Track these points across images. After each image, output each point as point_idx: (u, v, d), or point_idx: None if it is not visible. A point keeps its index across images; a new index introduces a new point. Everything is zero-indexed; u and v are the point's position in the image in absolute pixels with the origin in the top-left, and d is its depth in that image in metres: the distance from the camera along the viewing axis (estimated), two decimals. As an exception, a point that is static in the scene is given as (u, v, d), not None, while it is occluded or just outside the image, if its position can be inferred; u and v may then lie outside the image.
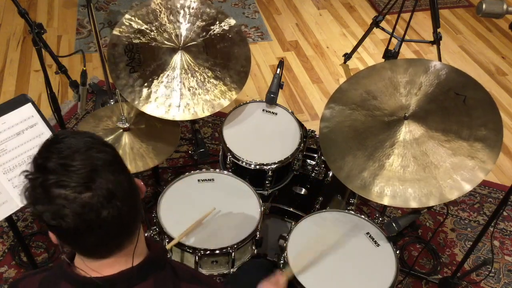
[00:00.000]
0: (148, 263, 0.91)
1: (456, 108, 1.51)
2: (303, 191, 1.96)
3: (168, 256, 1.53)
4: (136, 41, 1.82)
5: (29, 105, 1.48)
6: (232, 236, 1.54)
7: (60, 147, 0.79)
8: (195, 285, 0.96)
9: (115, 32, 1.81)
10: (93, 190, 0.77)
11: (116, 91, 1.77)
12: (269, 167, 1.76)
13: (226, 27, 1.91)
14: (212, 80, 1.84)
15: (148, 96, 1.78)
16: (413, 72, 1.60)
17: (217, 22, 1.91)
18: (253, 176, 1.78)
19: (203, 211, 1.60)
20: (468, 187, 1.41)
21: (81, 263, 0.89)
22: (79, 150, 0.79)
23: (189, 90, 1.81)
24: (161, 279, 0.91)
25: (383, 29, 3.01)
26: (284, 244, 1.52)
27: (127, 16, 1.85)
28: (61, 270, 0.92)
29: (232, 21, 1.93)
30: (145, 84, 1.79)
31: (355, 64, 3.34)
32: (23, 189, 0.79)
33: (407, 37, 2.93)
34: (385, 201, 1.47)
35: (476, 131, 1.46)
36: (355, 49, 3.24)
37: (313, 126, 2.53)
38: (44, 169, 0.77)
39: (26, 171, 0.79)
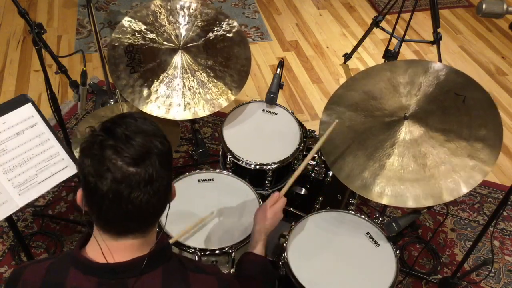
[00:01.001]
0: (157, 253, 0.94)
1: (456, 108, 1.51)
2: (303, 191, 1.96)
3: None
4: (136, 42, 1.83)
5: (29, 105, 1.48)
6: (232, 236, 1.54)
7: (131, 122, 0.87)
8: (201, 274, 0.98)
9: (115, 34, 1.82)
10: (138, 168, 0.83)
11: (116, 91, 1.78)
12: (269, 167, 1.76)
13: (226, 27, 1.91)
14: (212, 79, 1.84)
15: (149, 96, 1.78)
16: (413, 73, 1.60)
17: (217, 22, 1.92)
18: (253, 176, 1.78)
19: (203, 211, 1.60)
20: (468, 187, 1.41)
21: (94, 249, 0.91)
22: (145, 132, 0.87)
23: (189, 89, 1.81)
24: (169, 268, 0.94)
25: (383, 29, 3.01)
26: (284, 243, 1.52)
27: (127, 18, 1.85)
28: (69, 256, 0.93)
29: (232, 21, 1.93)
30: (146, 84, 1.79)
31: (355, 64, 3.34)
32: (83, 141, 0.86)
33: (407, 37, 2.93)
34: (386, 201, 1.47)
35: (476, 131, 1.46)
36: (355, 49, 3.24)
37: (313, 126, 2.53)
38: (109, 132, 0.85)
39: (93, 127, 0.87)
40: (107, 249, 0.90)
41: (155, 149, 0.86)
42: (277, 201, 1.45)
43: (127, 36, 1.83)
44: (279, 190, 1.88)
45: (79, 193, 0.89)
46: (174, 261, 0.97)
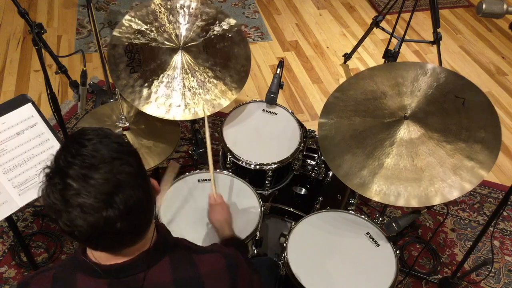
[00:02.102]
0: (160, 244, 0.94)
1: (456, 110, 1.52)
2: (303, 191, 1.96)
3: None
4: (136, 41, 1.82)
5: (29, 105, 1.48)
6: (232, 236, 1.54)
7: (84, 154, 0.79)
8: (206, 254, 0.99)
9: (115, 33, 1.81)
10: (111, 207, 0.78)
11: (116, 91, 1.77)
12: (269, 167, 1.76)
13: (226, 27, 1.91)
14: (212, 79, 1.84)
15: (149, 96, 1.78)
16: (413, 74, 1.60)
17: (217, 22, 1.91)
18: (253, 176, 1.78)
19: (203, 211, 1.60)
20: (467, 188, 1.41)
21: (97, 254, 0.90)
22: (104, 160, 0.79)
23: (189, 90, 1.81)
24: (176, 255, 0.95)
25: (383, 29, 3.01)
26: (284, 243, 1.52)
27: (127, 17, 1.85)
28: (75, 262, 0.93)
29: (232, 21, 1.93)
30: (146, 84, 1.79)
31: (355, 64, 3.34)
32: (42, 187, 0.80)
33: (407, 37, 2.93)
34: (384, 200, 1.47)
35: (475, 133, 1.47)
36: (355, 49, 3.24)
37: (313, 126, 2.53)
38: (65, 175, 0.77)
39: (48, 167, 0.80)
40: (107, 257, 0.90)
41: (122, 176, 0.79)
42: (215, 200, 1.52)
43: (127, 36, 1.82)
44: (279, 190, 1.89)
45: None
46: (178, 247, 0.98)
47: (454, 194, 1.42)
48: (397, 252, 1.52)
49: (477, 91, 1.53)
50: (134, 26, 1.85)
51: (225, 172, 1.77)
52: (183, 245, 1.00)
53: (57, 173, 0.79)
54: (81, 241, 0.84)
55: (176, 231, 1.52)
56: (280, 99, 2.11)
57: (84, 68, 1.73)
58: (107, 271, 0.89)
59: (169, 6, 1.91)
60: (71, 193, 0.76)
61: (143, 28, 1.85)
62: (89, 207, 0.76)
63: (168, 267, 0.92)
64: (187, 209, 1.61)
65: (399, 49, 2.62)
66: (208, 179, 1.71)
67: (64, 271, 0.94)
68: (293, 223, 1.60)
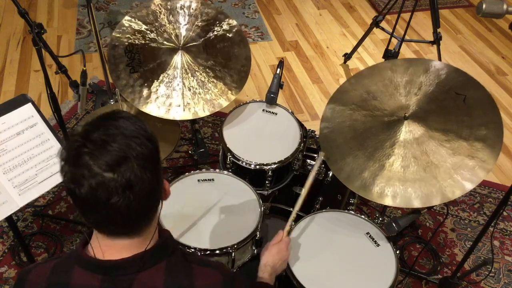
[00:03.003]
0: (160, 248, 0.95)
1: (456, 107, 1.51)
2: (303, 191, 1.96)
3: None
4: (136, 42, 1.83)
5: (29, 105, 1.48)
6: (232, 236, 1.54)
7: (110, 125, 0.86)
8: (206, 268, 0.98)
9: (115, 33, 1.81)
10: (115, 174, 0.81)
11: (116, 91, 1.77)
12: (269, 167, 1.76)
13: (226, 27, 1.91)
14: (212, 79, 1.84)
15: (149, 96, 1.78)
16: (413, 72, 1.59)
17: (217, 23, 1.92)
18: (253, 176, 1.78)
19: (203, 211, 1.60)
20: (468, 187, 1.41)
21: (96, 246, 0.92)
22: (123, 134, 0.85)
23: (189, 89, 1.81)
24: (172, 263, 0.95)
25: (383, 29, 3.01)
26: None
27: (127, 17, 1.85)
28: (73, 255, 0.95)
29: (232, 21, 1.93)
30: (146, 84, 1.79)
31: (355, 64, 3.34)
32: (64, 145, 0.86)
33: (407, 37, 2.93)
34: (386, 201, 1.47)
35: (476, 130, 1.46)
36: (355, 49, 3.24)
37: (313, 126, 2.53)
38: (87, 137, 0.84)
39: (74, 131, 0.85)
40: (106, 248, 0.91)
41: (134, 153, 0.84)
42: (281, 239, 1.43)
43: (127, 36, 1.83)
44: (279, 190, 1.89)
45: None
46: (177, 255, 0.97)
47: (456, 194, 1.42)
48: (397, 252, 1.52)
49: (478, 87, 1.51)
50: (134, 26, 1.85)
51: (225, 172, 1.77)
52: (185, 253, 1.00)
53: (80, 134, 0.85)
54: (77, 204, 0.86)
55: (176, 231, 1.53)
56: (280, 99, 2.11)
57: (84, 68, 1.73)
58: (102, 267, 0.91)
59: (169, 7, 1.91)
60: (85, 151, 0.82)
61: (143, 29, 1.85)
62: (94, 170, 0.81)
63: (162, 272, 0.92)
64: (187, 209, 1.61)
65: (399, 49, 2.62)
66: (208, 179, 1.71)
67: (63, 263, 0.96)
68: (293, 223, 1.59)
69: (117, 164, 0.82)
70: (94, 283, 0.90)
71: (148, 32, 1.86)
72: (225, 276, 0.99)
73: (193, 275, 0.95)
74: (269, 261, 1.37)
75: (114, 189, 0.82)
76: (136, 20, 1.85)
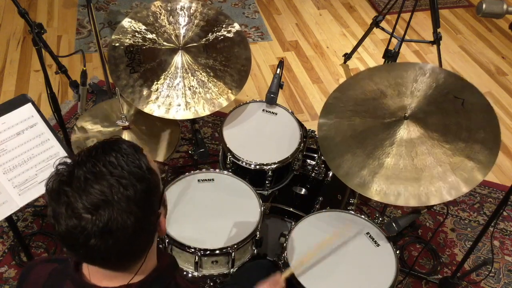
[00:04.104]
0: (151, 280, 0.91)
1: (455, 110, 1.52)
2: (303, 191, 1.96)
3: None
4: (137, 42, 1.83)
5: (29, 105, 1.48)
6: (232, 236, 1.54)
7: (100, 160, 0.81)
8: None
9: (115, 34, 1.82)
10: (92, 217, 0.78)
11: (116, 90, 1.78)
12: (269, 167, 1.76)
13: (226, 27, 1.91)
14: (212, 79, 1.84)
15: (149, 96, 1.78)
16: (412, 75, 1.61)
17: (217, 23, 1.92)
18: (253, 176, 1.78)
19: (203, 211, 1.60)
20: (466, 188, 1.41)
21: (85, 267, 0.91)
22: (111, 173, 0.80)
23: (189, 89, 1.81)
24: None
25: (383, 29, 3.01)
26: (284, 243, 1.52)
27: (127, 19, 1.85)
28: (68, 267, 0.93)
29: (232, 21, 1.93)
30: (146, 84, 1.79)
31: (355, 64, 3.34)
32: (50, 175, 0.82)
33: (407, 37, 2.93)
34: (383, 199, 1.46)
35: (475, 133, 1.47)
36: (355, 49, 3.24)
37: (313, 126, 2.52)
38: (72, 173, 0.80)
39: (65, 158, 0.84)
40: (93, 272, 0.89)
41: (117, 196, 0.79)
42: (278, 282, 1.35)
43: (128, 37, 1.83)
44: (279, 190, 1.89)
45: None
46: None
47: (454, 194, 1.42)
48: (397, 252, 1.52)
49: (476, 92, 1.53)
50: (135, 27, 1.85)
51: (225, 172, 1.77)
52: (179, 286, 0.95)
53: (68, 166, 0.82)
54: (58, 239, 0.84)
55: (176, 232, 1.53)
56: (280, 99, 2.11)
57: (84, 68, 1.74)
58: None
59: (169, 8, 1.91)
60: (66, 189, 0.79)
61: (143, 29, 1.86)
62: (73, 211, 0.78)
63: None
64: (187, 209, 1.61)
65: (399, 49, 2.62)
66: (208, 179, 1.72)
67: (60, 272, 0.95)
68: (293, 223, 1.60)
69: (95, 208, 0.78)
70: None
71: (148, 33, 1.86)
72: None
73: None
74: None
75: (91, 232, 0.78)
76: (136, 21, 1.85)
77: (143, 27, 1.86)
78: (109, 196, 0.79)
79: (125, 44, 1.81)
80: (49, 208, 0.81)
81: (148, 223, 0.86)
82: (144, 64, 1.81)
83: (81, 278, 0.90)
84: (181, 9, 1.92)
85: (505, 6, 1.36)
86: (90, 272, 0.89)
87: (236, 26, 1.93)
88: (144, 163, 0.85)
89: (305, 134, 1.92)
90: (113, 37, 1.81)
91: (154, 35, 1.86)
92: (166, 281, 0.94)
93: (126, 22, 1.84)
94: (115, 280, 0.88)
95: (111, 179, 0.80)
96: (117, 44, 1.81)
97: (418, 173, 1.46)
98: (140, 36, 1.84)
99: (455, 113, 1.52)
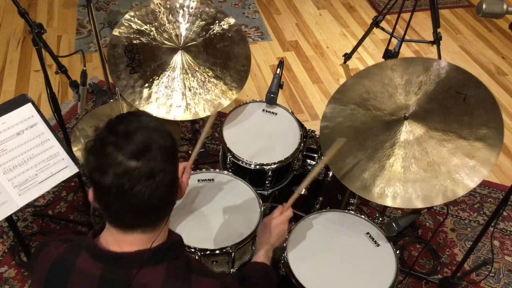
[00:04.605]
0: (164, 249, 0.96)
1: (457, 107, 1.50)
2: (303, 191, 1.96)
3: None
4: (136, 41, 1.82)
5: (29, 105, 1.48)
6: (232, 236, 1.54)
7: (133, 119, 0.91)
8: (206, 278, 0.98)
9: (115, 33, 1.81)
10: (139, 162, 0.85)
11: (116, 90, 1.78)
12: (269, 167, 1.76)
13: (225, 26, 1.91)
14: (212, 79, 1.84)
15: (149, 96, 1.78)
16: (413, 71, 1.59)
17: (217, 22, 1.91)
18: (253, 176, 1.78)
19: (203, 211, 1.60)
20: (469, 187, 1.41)
21: (105, 238, 0.96)
22: (146, 127, 0.89)
23: (189, 90, 1.81)
24: (174, 266, 0.96)
25: (383, 29, 3.01)
26: (285, 243, 1.52)
27: (126, 16, 1.85)
28: (84, 241, 0.98)
29: (232, 20, 1.92)
30: (146, 85, 1.79)
31: (355, 64, 3.34)
32: (88, 140, 0.91)
33: (407, 37, 2.93)
34: (386, 202, 1.47)
35: (477, 130, 1.46)
36: (355, 49, 3.24)
37: (313, 126, 2.53)
38: (111, 130, 0.88)
39: (97, 127, 0.91)
40: (115, 241, 0.94)
41: (156, 144, 0.87)
42: (282, 213, 1.42)
43: (127, 35, 1.82)
44: (279, 190, 1.89)
45: (91, 191, 0.92)
46: (181, 261, 0.98)
47: (456, 194, 1.41)
48: (397, 252, 1.52)
49: (479, 85, 1.49)
50: (134, 26, 1.85)
51: (225, 172, 1.77)
52: (188, 261, 1.00)
53: (104, 128, 0.90)
54: (101, 194, 0.88)
55: (176, 231, 1.52)
56: (280, 99, 2.11)
57: (84, 68, 1.73)
58: (105, 257, 0.93)
59: (168, 6, 1.91)
60: (109, 141, 0.86)
61: (142, 28, 1.85)
62: (119, 158, 0.84)
63: (162, 273, 0.93)
64: (187, 209, 1.61)
65: (399, 49, 2.62)
66: (208, 179, 1.72)
67: (76, 245, 0.99)
68: (293, 223, 1.59)
69: (141, 153, 0.85)
70: (95, 271, 0.93)
71: (148, 31, 1.85)
72: (224, 283, 0.99)
73: (191, 283, 0.95)
74: (266, 237, 1.36)
75: (138, 178, 0.84)
76: (136, 19, 1.85)
77: (143, 25, 1.85)
78: (150, 143, 0.87)
79: (125, 43, 1.80)
80: (91, 163, 0.86)
81: (177, 176, 0.94)
82: (144, 64, 1.81)
83: (98, 247, 0.95)
84: (180, 7, 1.91)
85: (505, 6, 1.36)
86: (108, 240, 0.94)
87: (236, 25, 1.92)
88: (164, 124, 0.94)
89: (305, 134, 1.92)
90: (112, 34, 1.80)
91: (153, 34, 1.86)
92: (177, 251, 1.00)
93: (125, 21, 1.84)
94: (135, 245, 0.93)
95: (148, 131, 0.89)
96: (116, 43, 1.80)
97: (419, 174, 1.46)
98: (139, 35, 1.84)
99: (457, 110, 1.48)
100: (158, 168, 0.86)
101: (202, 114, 1.79)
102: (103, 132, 0.88)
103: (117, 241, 0.94)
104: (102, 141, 0.87)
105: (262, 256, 1.34)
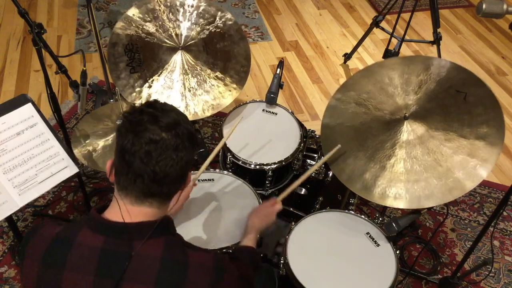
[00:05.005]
0: (163, 225, 1.01)
1: (457, 106, 1.50)
2: (303, 191, 1.96)
3: None
4: (136, 40, 1.82)
5: (29, 105, 1.48)
6: (232, 236, 1.54)
7: (159, 106, 0.99)
8: (202, 252, 1.04)
9: (115, 31, 1.81)
10: (170, 134, 0.94)
11: (116, 90, 1.78)
12: (269, 167, 1.76)
13: (224, 23, 1.91)
14: (212, 80, 1.84)
15: (149, 97, 1.78)
16: (414, 70, 1.59)
17: (216, 19, 1.91)
18: (253, 176, 1.78)
19: (203, 211, 1.60)
20: (469, 186, 1.41)
21: (109, 211, 1.00)
22: (176, 111, 1.01)
23: (189, 90, 1.81)
24: (171, 241, 1.02)
25: (383, 29, 3.01)
26: (285, 243, 1.52)
27: (127, 14, 1.85)
28: (86, 218, 1.02)
29: (229, 15, 1.91)
30: (146, 85, 1.79)
31: (355, 64, 3.34)
32: (119, 127, 0.97)
33: (407, 37, 2.93)
34: (387, 203, 1.47)
35: (477, 129, 1.46)
36: (355, 49, 3.24)
37: (313, 126, 2.53)
38: (149, 104, 0.99)
39: (126, 112, 0.99)
40: (120, 213, 0.98)
41: (184, 124, 0.98)
42: (273, 204, 1.53)
43: (127, 33, 1.82)
44: (279, 190, 1.89)
45: (109, 163, 1.00)
46: (177, 238, 1.05)
47: (457, 194, 1.41)
48: (397, 252, 1.52)
49: (480, 83, 1.49)
50: (134, 24, 1.85)
51: (225, 172, 1.76)
52: (181, 238, 1.06)
53: (136, 109, 0.98)
54: (127, 161, 0.94)
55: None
56: (280, 99, 2.11)
57: (84, 68, 1.73)
58: (108, 228, 0.97)
59: (168, 4, 1.91)
60: (149, 111, 0.96)
61: (143, 26, 1.85)
62: (152, 128, 0.93)
63: (161, 245, 0.98)
64: (187, 209, 1.61)
65: (399, 49, 2.62)
66: (208, 179, 1.72)
67: (72, 226, 1.02)
68: (293, 223, 1.59)
69: (173, 127, 0.95)
70: (96, 243, 0.96)
71: (148, 30, 1.85)
72: (217, 259, 1.03)
73: (187, 255, 1.00)
74: (256, 223, 1.46)
75: (165, 148, 0.93)
76: (136, 17, 1.85)
77: (143, 23, 1.85)
78: (180, 122, 0.97)
79: (125, 42, 1.80)
80: (124, 128, 0.94)
81: (191, 163, 1.02)
82: (144, 63, 1.81)
83: (101, 219, 0.99)
84: (180, 5, 1.91)
85: (505, 6, 1.36)
86: (112, 213, 0.99)
87: (235, 24, 1.91)
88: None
89: (305, 134, 1.92)
90: (112, 32, 1.80)
91: (153, 32, 1.85)
92: (172, 229, 1.06)
93: (125, 19, 1.83)
94: (139, 217, 0.98)
95: (178, 114, 1.00)
96: (116, 41, 1.80)
97: (420, 174, 1.46)
98: (139, 34, 1.84)
99: (457, 109, 1.49)
100: (183, 145, 0.96)
101: (201, 115, 1.79)
102: (141, 106, 0.98)
103: (123, 212, 0.98)
104: (141, 111, 0.96)
105: (252, 240, 1.42)
